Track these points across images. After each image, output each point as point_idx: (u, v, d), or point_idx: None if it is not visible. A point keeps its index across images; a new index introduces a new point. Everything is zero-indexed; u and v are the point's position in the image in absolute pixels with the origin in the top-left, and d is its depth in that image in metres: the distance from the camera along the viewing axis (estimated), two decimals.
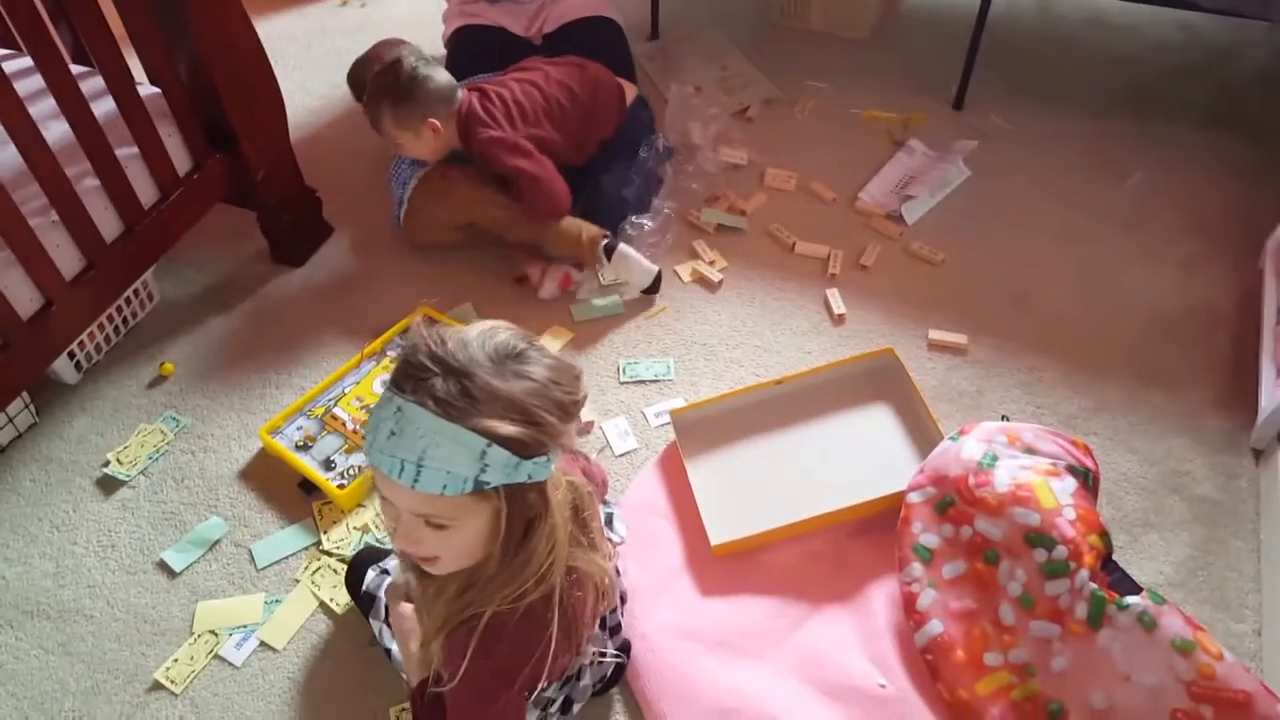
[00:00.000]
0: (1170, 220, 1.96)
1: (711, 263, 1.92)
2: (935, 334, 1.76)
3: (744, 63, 2.38)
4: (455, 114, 1.82)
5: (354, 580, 1.35)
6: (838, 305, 1.82)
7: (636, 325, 1.82)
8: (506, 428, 0.86)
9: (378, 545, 1.45)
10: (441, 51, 2.17)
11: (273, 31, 2.59)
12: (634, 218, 1.91)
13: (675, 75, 2.31)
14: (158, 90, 1.67)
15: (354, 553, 1.42)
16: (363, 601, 1.33)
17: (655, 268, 1.81)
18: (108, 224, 1.61)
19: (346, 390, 1.67)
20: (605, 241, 1.79)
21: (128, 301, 1.81)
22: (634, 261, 1.78)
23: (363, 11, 2.69)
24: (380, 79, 1.79)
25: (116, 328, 1.81)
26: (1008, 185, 2.05)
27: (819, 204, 2.05)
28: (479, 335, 0.90)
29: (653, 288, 1.82)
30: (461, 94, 1.83)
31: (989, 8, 2.08)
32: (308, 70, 2.48)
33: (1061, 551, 1.24)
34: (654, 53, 2.41)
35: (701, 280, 1.90)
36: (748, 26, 2.52)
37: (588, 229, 1.82)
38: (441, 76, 1.80)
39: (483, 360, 0.88)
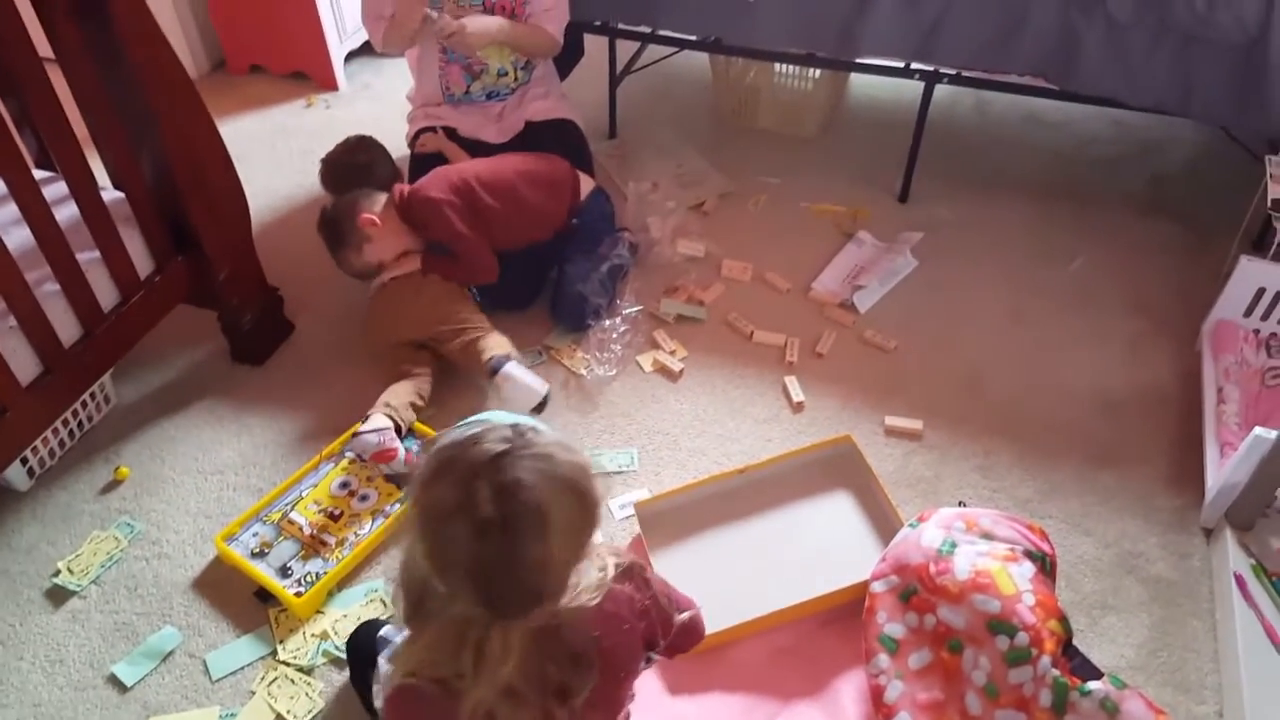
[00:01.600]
0: (1112, 303, 2.05)
1: (672, 352, 1.96)
2: (891, 420, 1.79)
3: (699, 159, 2.47)
4: (391, 203, 1.90)
5: (360, 656, 1.32)
6: (796, 393, 1.85)
7: (600, 415, 1.83)
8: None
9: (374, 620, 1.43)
10: (405, 151, 2.23)
11: (238, 132, 2.64)
12: (604, 320, 1.95)
13: (634, 173, 2.39)
14: (121, 195, 1.68)
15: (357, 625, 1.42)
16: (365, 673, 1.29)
17: (541, 391, 1.75)
18: (66, 328, 1.59)
19: (304, 494, 1.65)
20: (492, 360, 1.76)
21: (84, 404, 1.78)
22: (517, 385, 1.73)
23: (327, 113, 2.76)
24: (322, 234, 1.91)
25: (71, 431, 1.78)
26: (954, 273, 2.13)
27: (774, 294, 2.10)
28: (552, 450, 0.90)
29: (539, 408, 1.76)
30: (393, 189, 1.92)
31: (929, 107, 2.19)
32: (271, 170, 2.52)
33: (1023, 638, 1.25)
34: (613, 151, 2.50)
35: (663, 370, 1.93)
36: (701, 125, 2.62)
37: (495, 349, 1.78)
38: (357, 191, 1.91)
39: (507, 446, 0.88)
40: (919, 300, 2.06)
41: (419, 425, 1.77)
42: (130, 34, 1.51)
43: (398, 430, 1.70)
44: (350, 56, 2.87)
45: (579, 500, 0.91)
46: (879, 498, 1.59)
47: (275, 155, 2.58)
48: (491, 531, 0.85)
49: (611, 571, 1.00)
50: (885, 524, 1.56)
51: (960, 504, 1.58)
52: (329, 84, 2.81)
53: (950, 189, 2.36)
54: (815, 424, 1.81)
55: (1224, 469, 1.54)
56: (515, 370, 1.74)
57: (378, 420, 1.70)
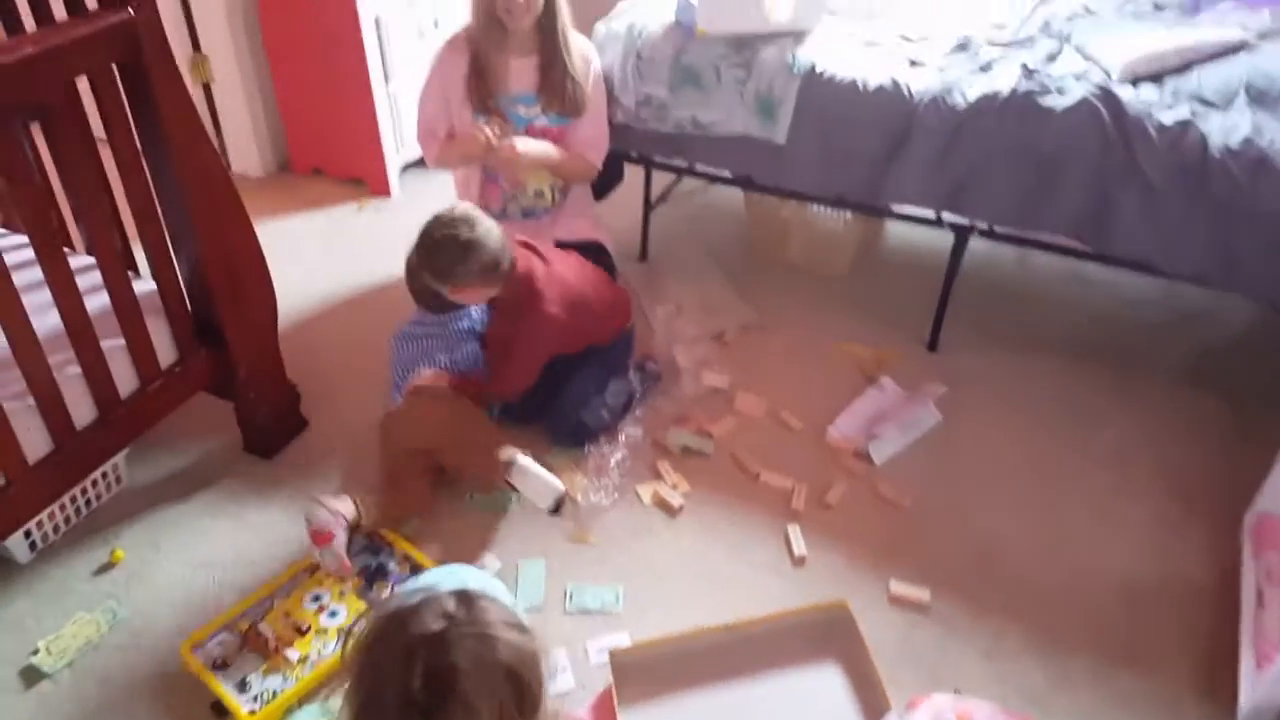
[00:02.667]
0: (1146, 480, 1.93)
1: (674, 486, 1.91)
2: (897, 587, 1.69)
3: (726, 288, 2.46)
4: (500, 273, 1.83)
5: None
6: (799, 545, 1.77)
7: (590, 545, 1.78)
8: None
9: None
10: None
11: (290, 229, 2.76)
12: (604, 445, 1.93)
13: (661, 297, 2.40)
14: (153, 287, 1.75)
15: None
16: None
17: (558, 488, 1.74)
18: (81, 411, 1.64)
19: (275, 604, 1.63)
20: (508, 457, 1.75)
21: (94, 483, 1.82)
22: (532, 477, 1.73)
23: (376, 217, 2.86)
24: (429, 251, 1.83)
25: (79, 508, 1.81)
26: (978, 432, 2.04)
27: (787, 433, 2.05)
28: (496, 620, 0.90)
29: (555, 509, 1.75)
30: (512, 254, 1.84)
31: (961, 257, 2.16)
32: (314, 268, 2.60)
33: None
34: (643, 274, 2.52)
35: (662, 504, 1.87)
36: (731, 255, 2.61)
37: (507, 453, 1.77)
38: (491, 242, 1.80)
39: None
40: (938, 458, 1.98)
41: (404, 544, 1.75)
42: (175, 134, 1.59)
43: (355, 526, 1.70)
44: (407, 167, 3.00)
45: (516, 688, 0.87)
46: (870, 675, 1.49)
47: (321, 255, 2.67)
48: (418, 715, 0.84)
49: None
50: (873, 705, 1.45)
51: (955, 691, 1.46)
52: (383, 191, 2.93)
53: (982, 341, 2.29)
54: (815, 581, 1.72)
55: (1261, 683, 1.40)
56: (528, 463, 1.74)
57: (343, 504, 1.69)
